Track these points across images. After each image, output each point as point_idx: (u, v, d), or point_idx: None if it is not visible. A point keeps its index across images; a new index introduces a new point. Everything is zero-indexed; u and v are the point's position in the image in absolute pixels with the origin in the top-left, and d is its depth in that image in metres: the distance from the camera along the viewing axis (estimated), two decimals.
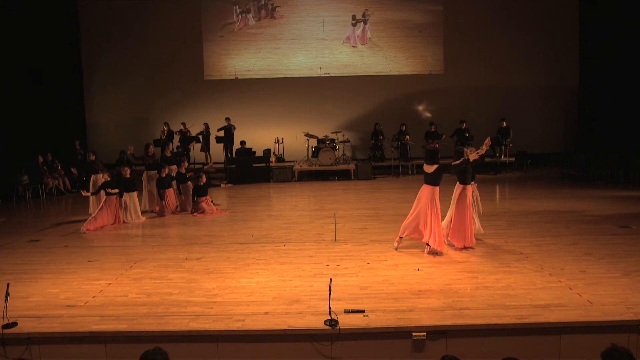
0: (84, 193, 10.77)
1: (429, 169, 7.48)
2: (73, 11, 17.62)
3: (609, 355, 3.39)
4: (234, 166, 15.67)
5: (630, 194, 11.87)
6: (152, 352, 3.57)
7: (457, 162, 7.59)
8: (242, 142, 16.46)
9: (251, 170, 15.55)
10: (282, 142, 17.64)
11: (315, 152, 16.20)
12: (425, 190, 7.50)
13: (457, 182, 7.78)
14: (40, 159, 14.11)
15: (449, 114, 17.32)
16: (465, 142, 15.25)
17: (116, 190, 10.19)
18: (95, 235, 9.46)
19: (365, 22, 18.20)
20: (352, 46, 18.31)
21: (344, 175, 15.77)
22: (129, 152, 12.19)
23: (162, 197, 11.04)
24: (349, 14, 18.23)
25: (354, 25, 18.24)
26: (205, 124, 17.02)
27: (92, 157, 11.79)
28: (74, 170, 14.84)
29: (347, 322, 5.25)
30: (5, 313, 5.33)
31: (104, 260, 7.70)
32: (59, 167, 14.62)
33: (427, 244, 7.52)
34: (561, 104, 17.89)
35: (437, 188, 7.49)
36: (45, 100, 15.99)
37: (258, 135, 17.61)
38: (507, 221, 9.50)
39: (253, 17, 18.33)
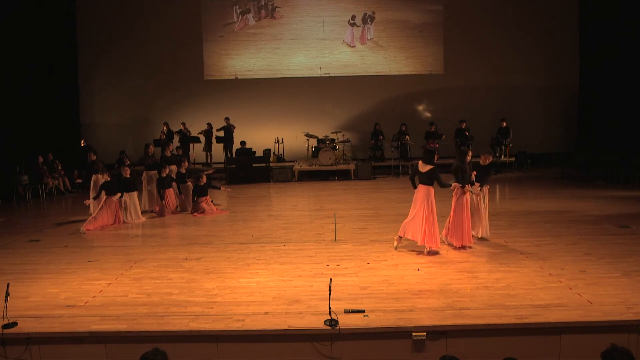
0: (87, 202, 10.72)
1: (424, 168, 7.47)
2: (72, 11, 17.62)
3: (609, 355, 3.38)
4: (234, 166, 15.67)
5: (630, 194, 11.87)
6: (152, 352, 3.57)
7: (447, 183, 7.62)
8: (242, 142, 16.47)
9: (251, 170, 15.55)
10: (282, 142, 17.64)
11: (315, 152, 16.20)
12: (421, 190, 7.51)
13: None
14: (41, 159, 14.10)
15: (449, 114, 17.32)
16: (466, 142, 15.26)
17: (118, 195, 10.17)
18: (95, 235, 9.45)
19: (365, 23, 18.21)
20: (351, 46, 18.32)
21: (344, 175, 15.77)
22: (126, 163, 12.04)
23: (162, 197, 11.04)
24: (349, 14, 18.25)
25: (351, 25, 18.25)
26: (209, 123, 17.05)
27: (93, 157, 11.78)
28: (78, 180, 14.87)
29: (347, 322, 5.25)
30: (5, 313, 5.32)
31: (104, 260, 7.69)
32: (59, 167, 14.62)
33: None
34: (561, 104, 17.89)
35: (432, 187, 7.50)
36: (45, 100, 15.98)
37: (258, 135, 17.63)
38: (507, 221, 9.50)
39: (253, 17, 18.34)
